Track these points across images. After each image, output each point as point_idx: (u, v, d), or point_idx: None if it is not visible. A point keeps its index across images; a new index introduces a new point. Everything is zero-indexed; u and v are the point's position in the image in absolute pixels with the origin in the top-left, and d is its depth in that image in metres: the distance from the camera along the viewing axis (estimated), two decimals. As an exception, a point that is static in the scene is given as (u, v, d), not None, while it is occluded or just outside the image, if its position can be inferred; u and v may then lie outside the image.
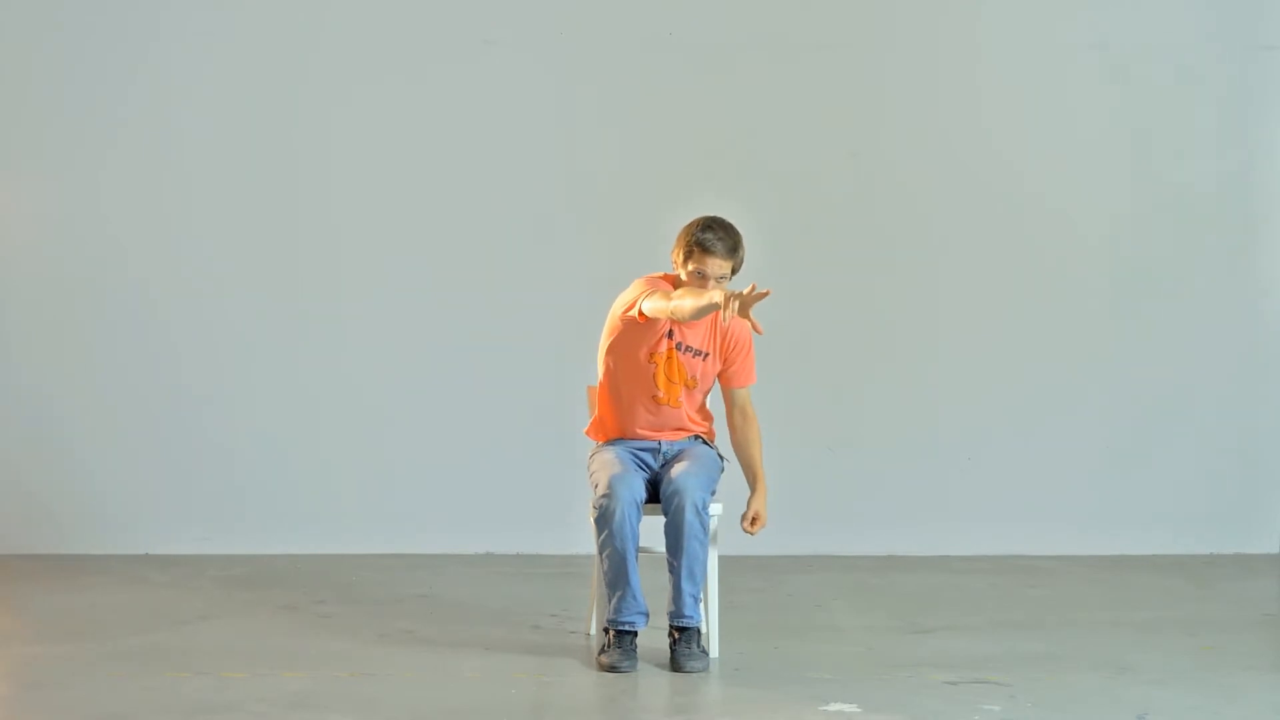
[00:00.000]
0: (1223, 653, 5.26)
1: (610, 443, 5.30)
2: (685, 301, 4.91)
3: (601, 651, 5.04)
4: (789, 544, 6.96)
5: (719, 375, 5.29)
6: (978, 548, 6.98)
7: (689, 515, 4.99)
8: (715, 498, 5.16)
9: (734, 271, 5.16)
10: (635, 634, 5.05)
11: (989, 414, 7.03)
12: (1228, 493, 7.06)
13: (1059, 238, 7.03)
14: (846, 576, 6.55)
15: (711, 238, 5.08)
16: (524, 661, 5.11)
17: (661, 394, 5.21)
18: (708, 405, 5.38)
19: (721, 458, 5.32)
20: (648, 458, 5.25)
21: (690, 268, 5.10)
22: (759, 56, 6.97)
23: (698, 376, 5.23)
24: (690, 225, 5.15)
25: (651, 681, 4.89)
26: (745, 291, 4.71)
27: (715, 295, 4.81)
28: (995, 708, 4.56)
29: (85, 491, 6.99)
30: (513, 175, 6.97)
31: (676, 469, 5.10)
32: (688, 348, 5.20)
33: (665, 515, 5.05)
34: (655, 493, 5.20)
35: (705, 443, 5.33)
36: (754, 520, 5.24)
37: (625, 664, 4.97)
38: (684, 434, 5.29)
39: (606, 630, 5.06)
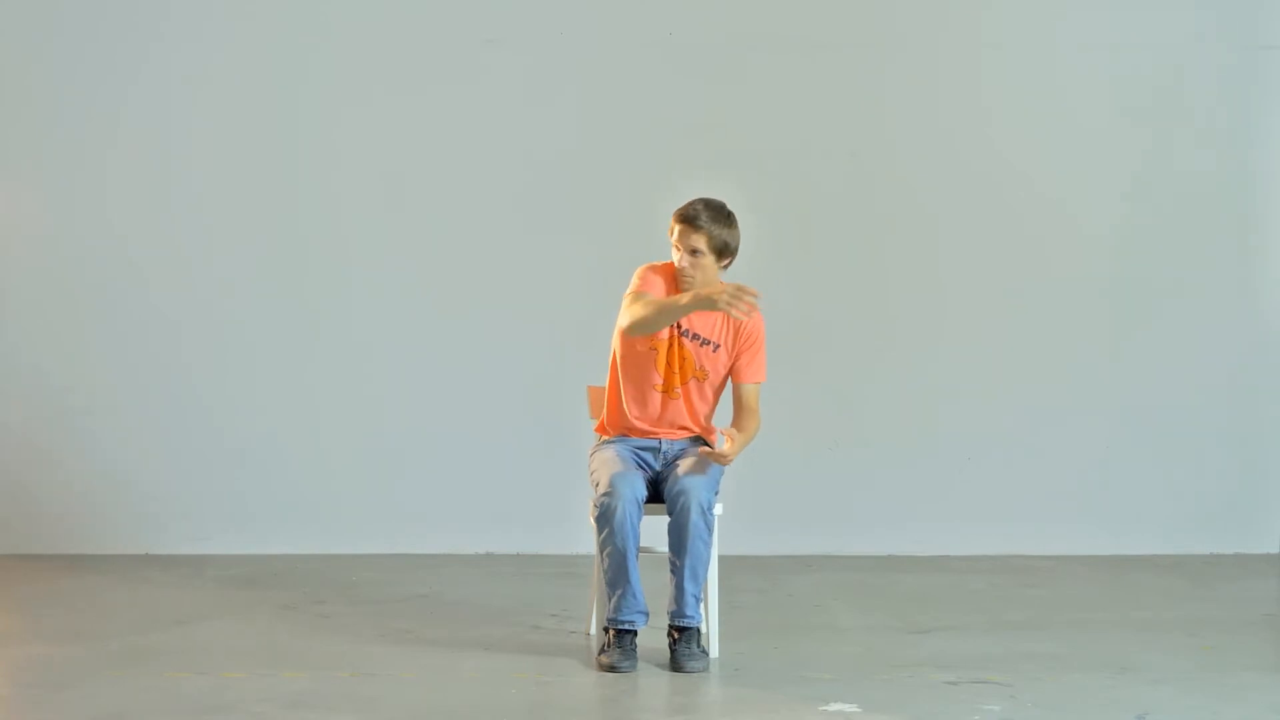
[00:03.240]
0: (1223, 653, 5.26)
1: (611, 441, 5.30)
2: (648, 312, 5.03)
3: (601, 651, 5.04)
4: (789, 544, 6.97)
5: (729, 371, 5.28)
6: (978, 548, 6.98)
7: (694, 516, 4.98)
8: (717, 498, 5.15)
9: (717, 252, 5.15)
10: (635, 633, 5.05)
11: (989, 414, 7.03)
12: (1228, 493, 7.06)
13: (1059, 237, 7.04)
14: (846, 576, 6.56)
15: (692, 211, 5.15)
16: (524, 661, 5.10)
17: (660, 381, 5.21)
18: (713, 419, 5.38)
19: (722, 459, 5.32)
20: (648, 457, 5.24)
21: (674, 239, 5.17)
22: (759, 56, 6.98)
23: (707, 367, 5.22)
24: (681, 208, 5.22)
25: (651, 681, 4.89)
26: (733, 288, 4.85)
27: (684, 297, 4.96)
28: (995, 708, 4.56)
29: (85, 491, 6.99)
30: (513, 175, 6.97)
31: (681, 469, 5.10)
32: (695, 335, 5.20)
33: (670, 515, 5.04)
34: (655, 492, 5.20)
35: (706, 444, 5.32)
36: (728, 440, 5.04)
37: (625, 664, 4.97)
38: (685, 434, 5.29)
39: (606, 630, 5.06)
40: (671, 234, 5.19)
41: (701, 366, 5.21)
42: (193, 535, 6.98)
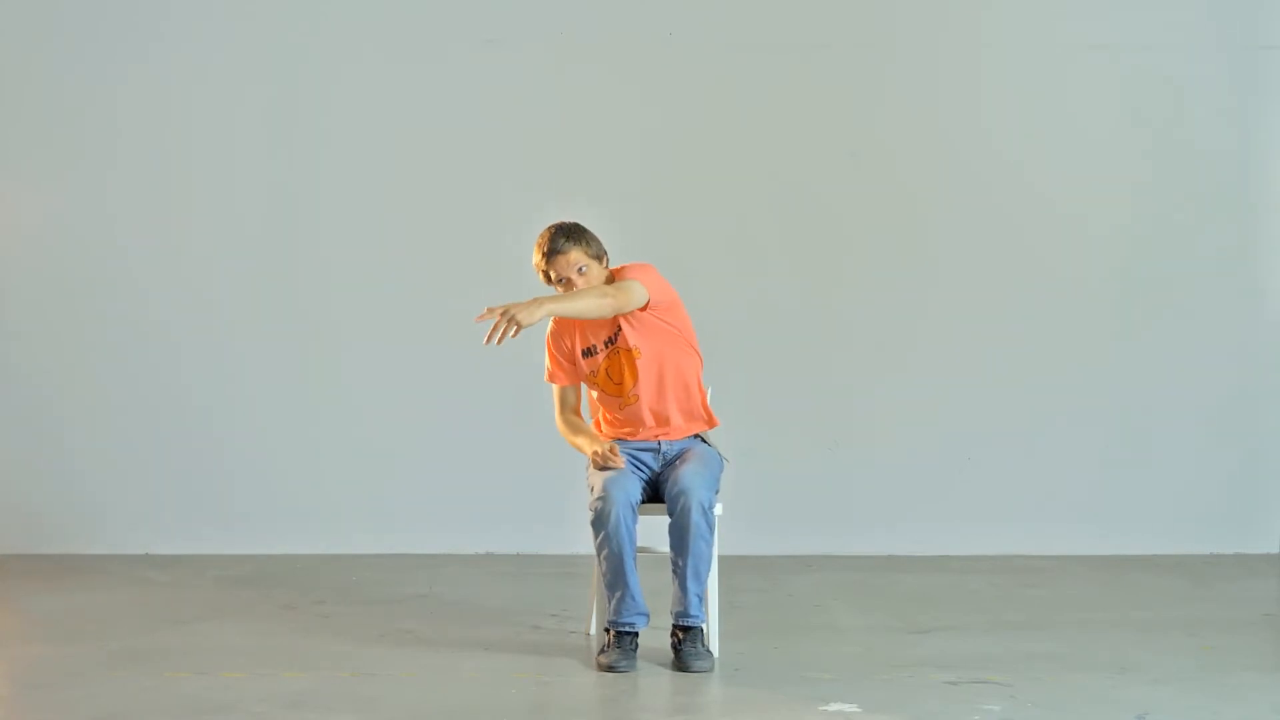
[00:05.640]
0: (1223, 653, 5.25)
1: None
2: (567, 440, 5.35)
3: (601, 651, 5.04)
4: (789, 544, 6.97)
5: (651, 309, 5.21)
6: (978, 548, 6.98)
7: (695, 515, 4.98)
8: (717, 498, 5.15)
9: (597, 259, 5.17)
10: (636, 634, 5.05)
11: (989, 414, 7.03)
12: (1228, 493, 7.06)
13: (1059, 237, 7.03)
14: (846, 576, 6.55)
15: (555, 243, 5.13)
16: (524, 661, 5.10)
17: (619, 400, 5.24)
18: (706, 397, 5.36)
19: (723, 457, 5.32)
20: (648, 458, 5.24)
21: (555, 280, 5.17)
22: (759, 56, 6.98)
23: (633, 345, 5.19)
24: (534, 251, 5.19)
25: (652, 681, 4.89)
26: (608, 451, 5.09)
27: (587, 449, 5.17)
28: (995, 708, 4.56)
29: (85, 491, 6.99)
30: (512, 175, 6.97)
31: (680, 469, 5.10)
32: (603, 344, 5.21)
33: (670, 515, 5.04)
34: (655, 493, 5.20)
35: (705, 441, 5.33)
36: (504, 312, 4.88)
37: (624, 664, 4.97)
38: (682, 431, 5.28)
39: (607, 630, 5.07)
40: (548, 276, 5.15)
41: (635, 347, 5.19)
42: (193, 535, 6.98)
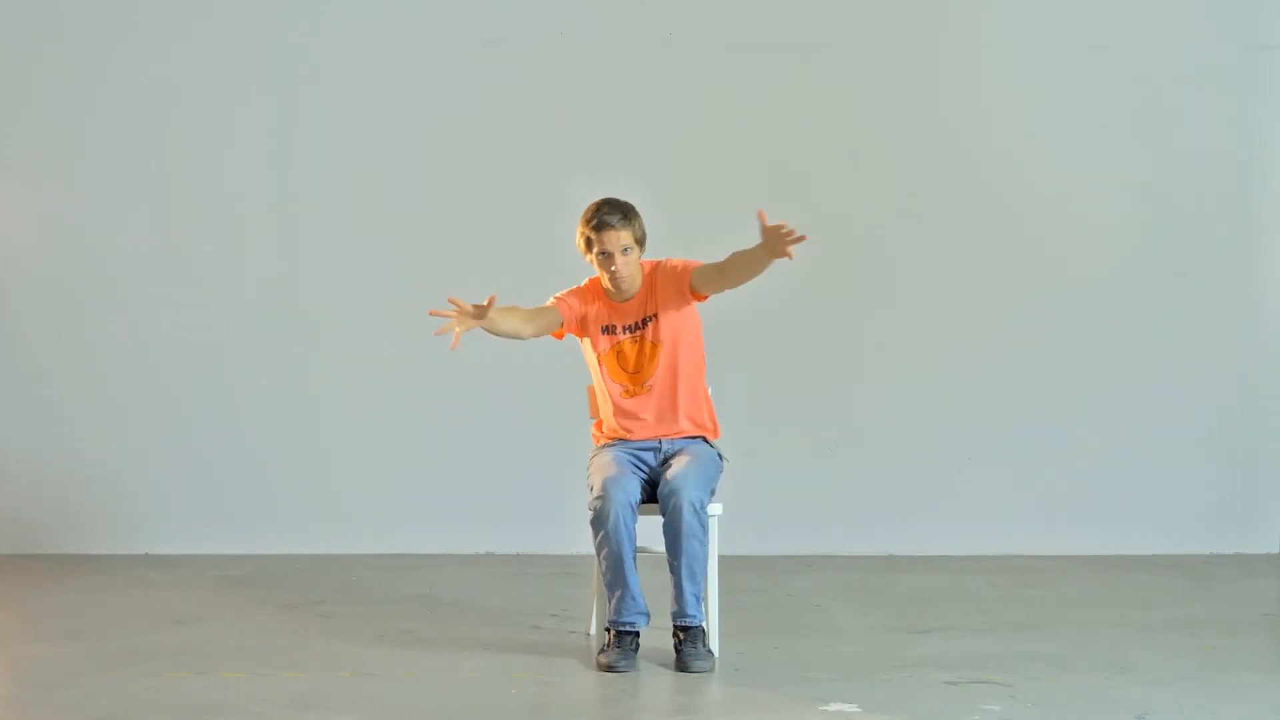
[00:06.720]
0: (1223, 653, 5.25)
1: (610, 444, 5.30)
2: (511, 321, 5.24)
3: (601, 651, 5.04)
4: (789, 544, 6.97)
5: (684, 294, 5.21)
6: (978, 548, 6.98)
7: (686, 515, 4.98)
8: (715, 497, 5.15)
9: (639, 242, 5.19)
10: (636, 634, 5.05)
11: (989, 414, 7.03)
12: (1228, 493, 7.06)
13: (1060, 238, 7.03)
14: (846, 576, 6.56)
15: (606, 216, 5.14)
16: (524, 661, 5.10)
17: (626, 388, 5.24)
18: (709, 398, 5.36)
19: (722, 457, 5.31)
20: (648, 457, 5.24)
21: (595, 252, 5.17)
22: (758, 56, 6.98)
23: (660, 339, 5.21)
24: (582, 216, 5.19)
25: (652, 681, 4.89)
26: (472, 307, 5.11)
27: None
28: (995, 708, 4.56)
29: (85, 491, 7.00)
30: (512, 175, 6.97)
31: (673, 468, 5.10)
32: (625, 328, 5.23)
33: (663, 515, 5.04)
34: (656, 492, 5.20)
35: (706, 442, 5.32)
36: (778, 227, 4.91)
37: (623, 664, 4.97)
38: (683, 434, 5.28)
39: (608, 630, 5.06)
40: (590, 248, 5.16)
41: (655, 341, 5.21)
42: (193, 535, 6.99)
